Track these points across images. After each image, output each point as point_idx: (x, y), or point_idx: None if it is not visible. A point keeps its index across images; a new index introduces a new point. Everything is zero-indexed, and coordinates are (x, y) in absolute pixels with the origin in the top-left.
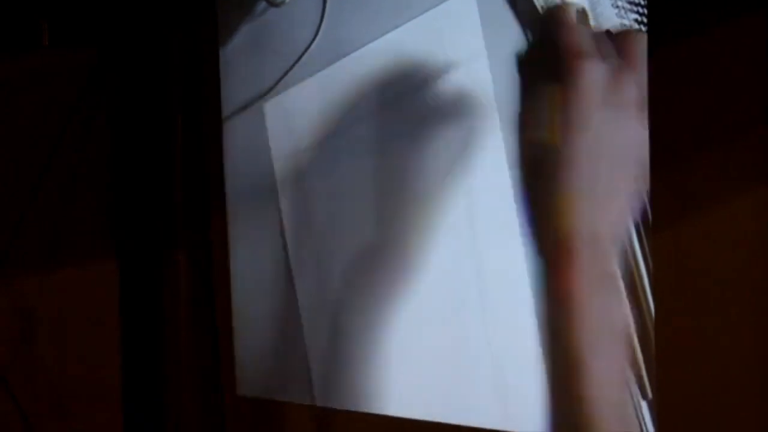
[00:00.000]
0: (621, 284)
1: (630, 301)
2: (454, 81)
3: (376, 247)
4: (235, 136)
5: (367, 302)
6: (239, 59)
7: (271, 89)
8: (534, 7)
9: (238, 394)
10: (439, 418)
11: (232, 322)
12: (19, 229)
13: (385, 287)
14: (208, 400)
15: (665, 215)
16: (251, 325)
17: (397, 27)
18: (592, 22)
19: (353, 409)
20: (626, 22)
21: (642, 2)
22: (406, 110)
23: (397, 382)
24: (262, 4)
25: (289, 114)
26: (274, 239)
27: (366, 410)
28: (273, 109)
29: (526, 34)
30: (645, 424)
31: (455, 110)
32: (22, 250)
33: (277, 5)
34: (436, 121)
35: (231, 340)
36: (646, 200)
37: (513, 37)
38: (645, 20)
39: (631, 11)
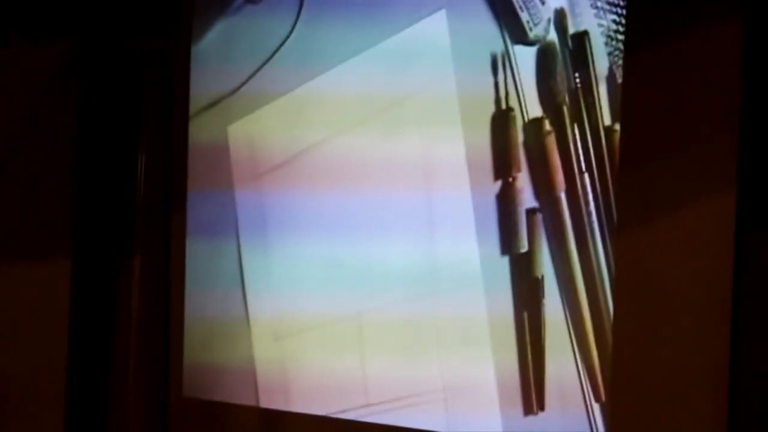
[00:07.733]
0: None
1: (589, 302)
2: (420, 100)
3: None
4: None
5: (315, 307)
6: (210, 55)
7: (238, 88)
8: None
9: (183, 396)
10: (386, 421)
11: (183, 326)
12: None
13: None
14: (153, 402)
15: (630, 218)
16: (200, 326)
17: (366, 47)
18: (570, 23)
19: (298, 411)
20: (604, 22)
21: (621, 3)
22: (370, 131)
23: (342, 385)
24: (239, 1)
25: (253, 136)
26: (229, 241)
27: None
28: (236, 132)
29: (502, 33)
30: (597, 426)
31: (418, 131)
32: None
33: (254, 2)
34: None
35: (181, 344)
36: (613, 202)
37: (483, 62)
38: (623, 21)
39: (610, 12)
